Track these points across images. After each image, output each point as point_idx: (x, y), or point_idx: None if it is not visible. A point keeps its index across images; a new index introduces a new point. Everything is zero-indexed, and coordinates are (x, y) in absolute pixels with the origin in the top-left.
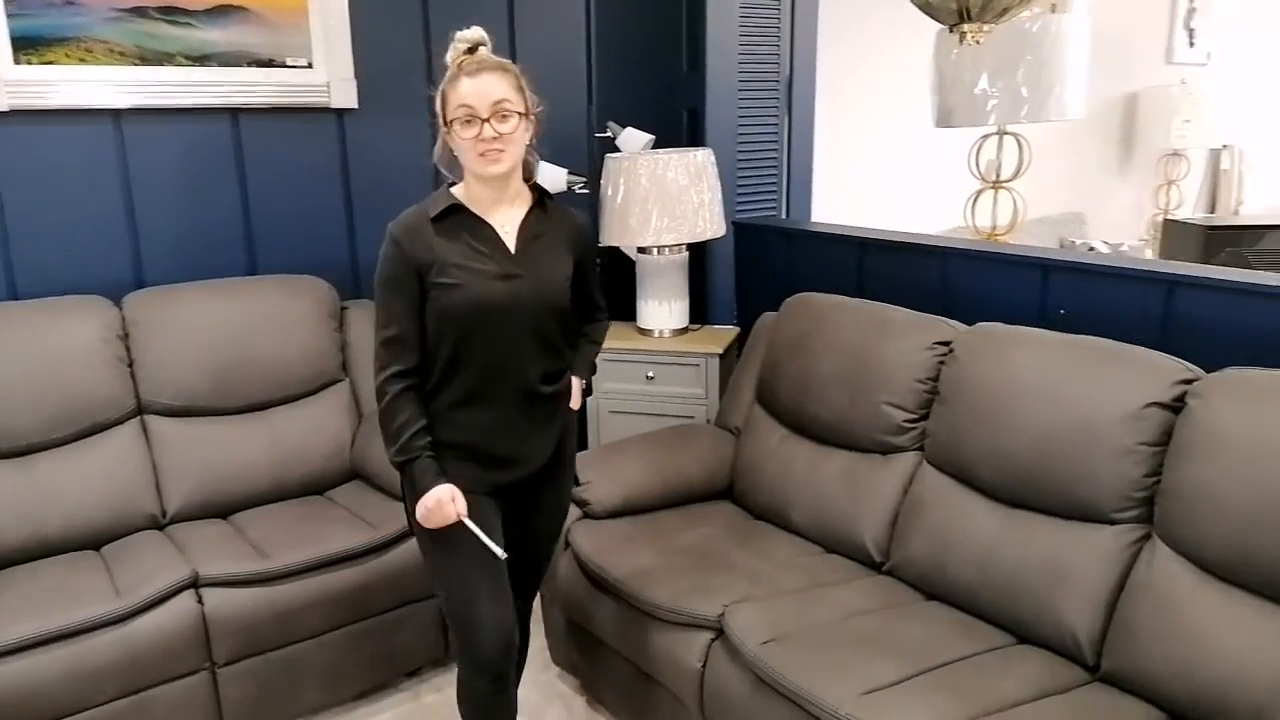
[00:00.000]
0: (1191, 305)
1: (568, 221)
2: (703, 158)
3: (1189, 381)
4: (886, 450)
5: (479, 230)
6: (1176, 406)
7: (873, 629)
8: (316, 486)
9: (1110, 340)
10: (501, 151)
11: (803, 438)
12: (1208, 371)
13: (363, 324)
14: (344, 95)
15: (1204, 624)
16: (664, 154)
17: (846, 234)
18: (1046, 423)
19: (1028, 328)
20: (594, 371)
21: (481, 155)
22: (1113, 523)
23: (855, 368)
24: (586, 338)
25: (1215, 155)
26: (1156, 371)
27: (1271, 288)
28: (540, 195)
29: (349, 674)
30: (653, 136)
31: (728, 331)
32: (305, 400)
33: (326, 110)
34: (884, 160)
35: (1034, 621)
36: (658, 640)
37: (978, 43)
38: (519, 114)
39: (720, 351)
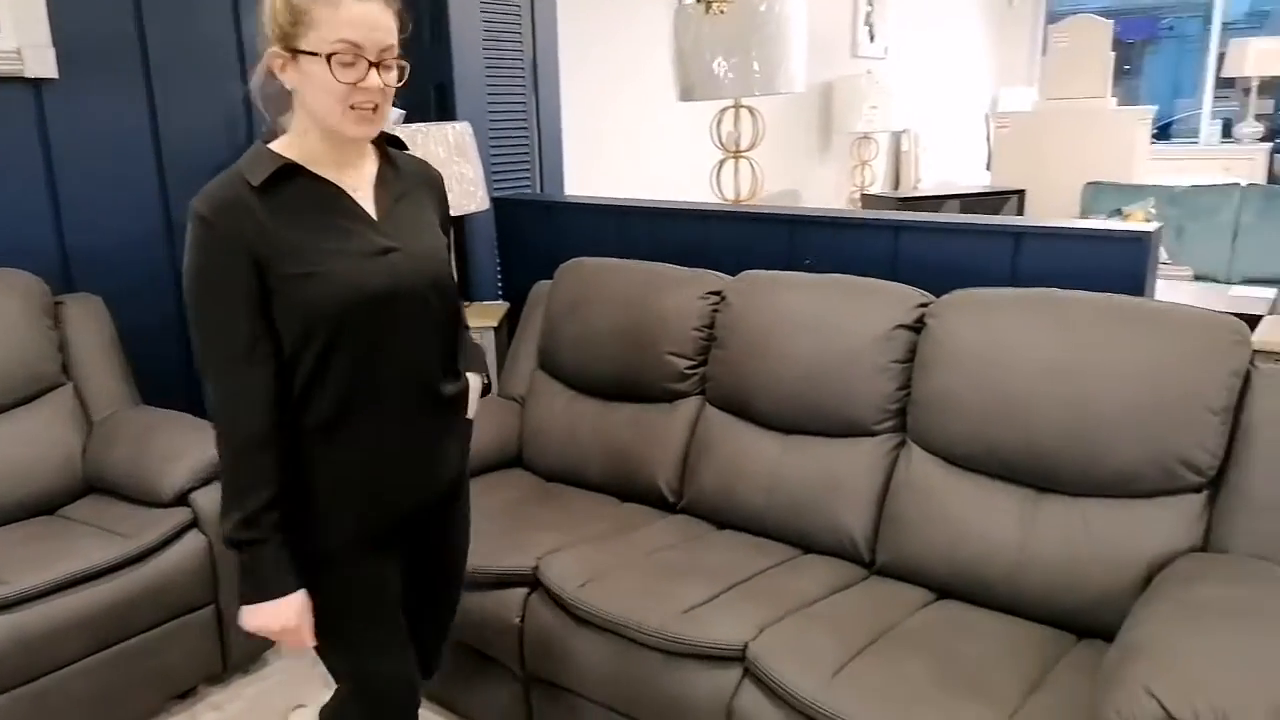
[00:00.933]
0: (914, 245)
1: (424, 174)
2: (461, 130)
3: (925, 305)
4: (672, 397)
5: (328, 197)
6: (918, 327)
7: (678, 560)
8: (45, 506)
9: (857, 277)
10: (376, 110)
11: (589, 396)
12: (937, 296)
13: (84, 320)
14: (40, 64)
15: (957, 510)
16: (421, 127)
17: (608, 204)
18: (812, 352)
19: (787, 272)
20: (485, 367)
21: (353, 109)
22: (874, 434)
23: (634, 323)
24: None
25: (896, 138)
26: (899, 298)
27: (971, 225)
28: (386, 144)
29: (115, 701)
30: (403, 111)
31: (497, 306)
32: (20, 409)
33: (21, 80)
34: (635, 134)
35: (818, 532)
36: (474, 606)
37: (722, 12)
38: (399, 64)
39: (495, 325)
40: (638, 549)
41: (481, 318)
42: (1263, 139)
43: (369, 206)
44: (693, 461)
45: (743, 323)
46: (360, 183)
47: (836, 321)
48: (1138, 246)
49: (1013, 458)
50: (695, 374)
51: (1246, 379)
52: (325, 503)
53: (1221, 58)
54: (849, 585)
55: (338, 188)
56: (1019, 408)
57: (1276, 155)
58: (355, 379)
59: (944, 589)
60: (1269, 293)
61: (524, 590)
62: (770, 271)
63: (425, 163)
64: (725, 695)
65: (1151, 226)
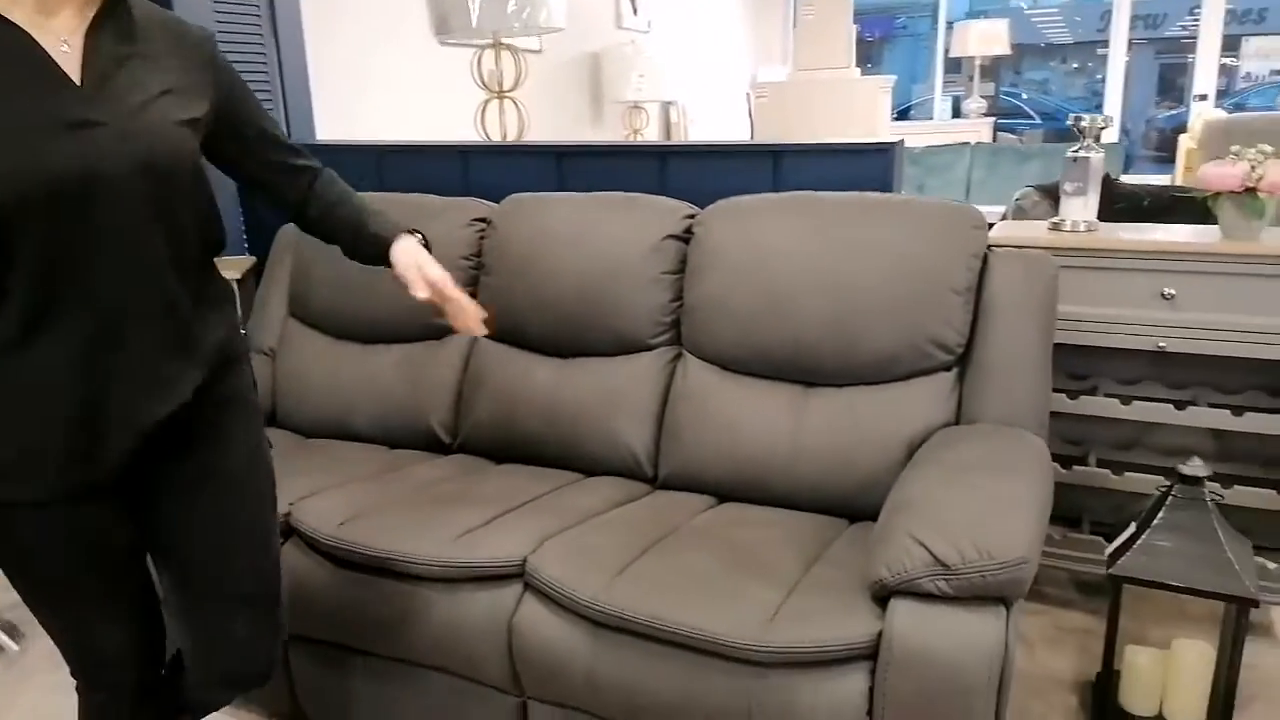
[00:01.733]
0: (681, 170)
1: (177, 33)
2: None
3: (692, 216)
4: (441, 333)
5: (13, 49)
6: (686, 237)
7: (452, 491)
8: None
9: (625, 193)
10: None
11: (348, 340)
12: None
13: None
14: None
15: (732, 413)
16: None
17: (365, 145)
18: (583, 268)
19: (555, 193)
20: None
21: None
22: (650, 348)
23: None
24: (338, 198)
25: (665, 108)
26: (667, 210)
27: (733, 146)
28: None
29: None
30: None
31: (243, 260)
32: None
33: None
34: (400, 78)
35: (600, 453)
36: None
37: None
38: None
39: (239, 276)
40: (409, 485)
41: (225, 272)
42: (986, 114)
43: (73, 66)
44: (467, 397)
45: (510, 246)
46: (67, 33)
47: (605, 236)
48: (884, 158)
49: (781, 356)
50: None
51: (985, 262)
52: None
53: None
54: (635, 498)
55: (30, 38)
56: (784, 306)
57: (999, 128)
58: (44, 289)
59: (726, 493)
60: (1000, 208)
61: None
62: (536, 193)
63: (175, 18)
64: (505, 614)
65: (896, 138)
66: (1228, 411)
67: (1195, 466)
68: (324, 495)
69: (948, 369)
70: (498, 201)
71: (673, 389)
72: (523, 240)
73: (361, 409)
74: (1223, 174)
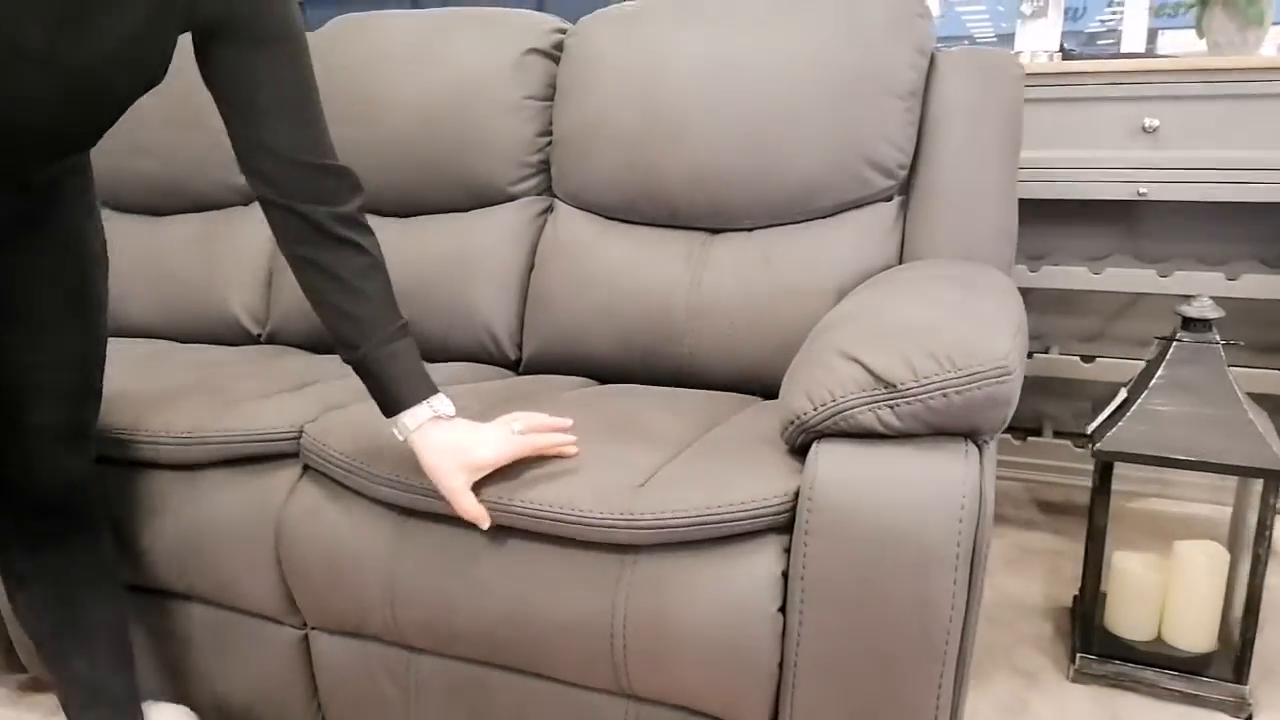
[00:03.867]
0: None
1: None
2: None
3: (563, 31)
4: (247, 198)
5: None
6: (556, 55)
7: (230, 373)
8: None
9: (479, 7)
10: None
11: (130, 213)
12: None
13: None
14: None
15: (614, 271)
16: None
17: None
18: (425, 102)
19: (388, 10)
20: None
21: None
22: (512, 198)
23: (190, 92)
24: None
25: None
26: (531, 23)
27: None
28: None
29: None
30: None
31: None
32: None
33: None
34: None
35: (449, 334)
36: None
37: None
38: None
39: None
40: (166, 366)
41: None
42: None
43: None
44: (277, 274)
45: (337, 79)
46: None
47: (454, 57)
48: None
49: (676, 194)
50: None
51: (932, 63)
52: None
53: None
54: (480, 381)
55: None
56: (679, 129)
57: None
58: None
59: (606, 374)
60: None
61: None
62: (370, 12)
63: None
64: (272, 508)
65: None
66: (1221, 274)
67: (1204, 307)
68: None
69: (887, 199)
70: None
71: (541, 248)
72: (351, 70)
73: (141, 298)
74: None
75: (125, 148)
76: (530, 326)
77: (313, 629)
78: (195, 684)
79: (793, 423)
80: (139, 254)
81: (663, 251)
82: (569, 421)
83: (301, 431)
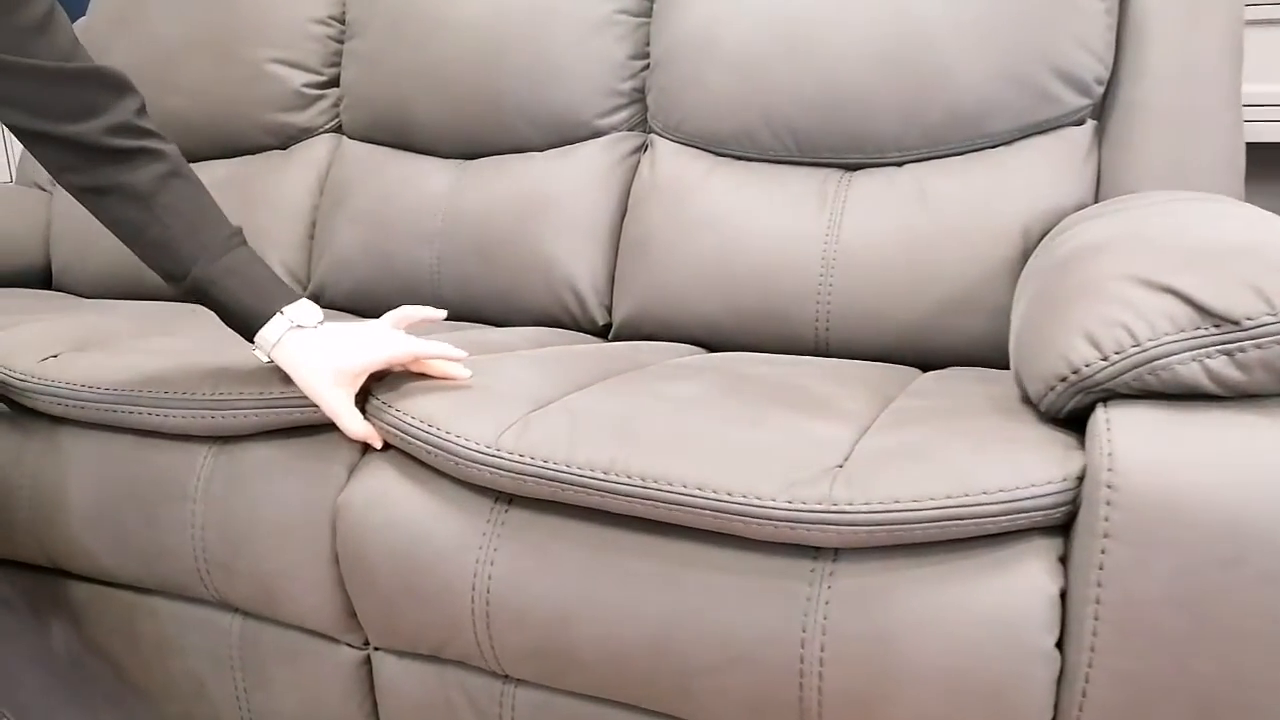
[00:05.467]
0: None
1: None
2: None
3: None
4: (288, 139)
5: None
6: None
7: None
8: None
9: None
10: None
11: None
12: None
13: None
14: None
15: (727, 217)
16: None
17: None
18: (493, 19)
19: None
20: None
21: None
22: (600, 133)
23: (218, 24)
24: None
25: None
26: None
27: None
28: None
29: None
30: None
31: None
32: None
33: None
34: None
35: (524, 294)
36: None
37: None
38: None
39: None
40: (190, 326)
41: None
42: None
43: None
44: (324, 225)
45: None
46: None
47: None
48: None
49: (807, 122)
50: (324, 94)
51: None
52: None
53: None
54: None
55: None
56: (811, 42)
57: None
58: None
59: (719, 341)
60: None
61: None
62: None
63: None
64: (328, 493)
65: None
66: None
67: None
68: (25, 328)
69: (1078, 121)
70: None
71: (635, 191)
72: None
73: None
74: None
75: (152, 83)
76: (623, 285)
77: (376, 649)
78: (224, 713)
79: (1065, 379)
80: None
81: (787, 192)
82: (461, 354)
83: (368, 395)
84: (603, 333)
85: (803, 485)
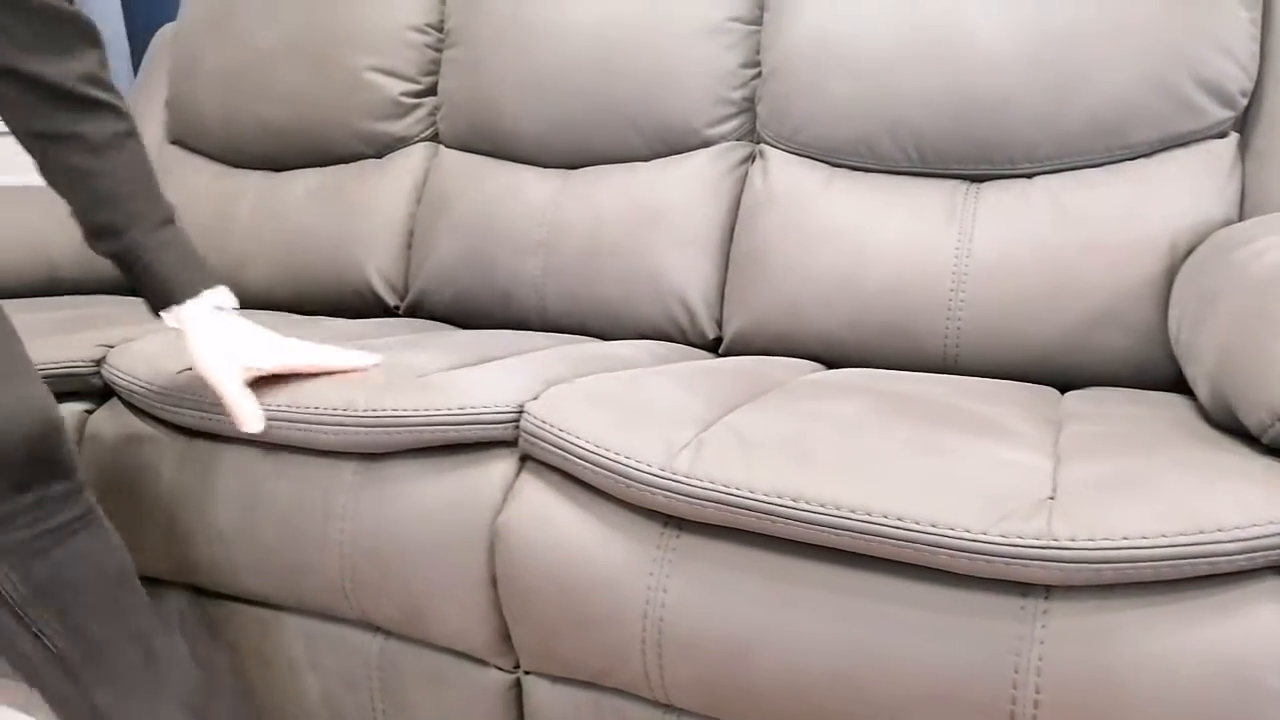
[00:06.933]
0: None
1: None
2: None
3: None
4: (383, 149)
5: None
6: None
7: (395, 344)
8: None
9: None
10: None
11: (247, 169)
12: None
13: None
14: None
15: (849, 231)
16: None
17: None
18: (599, 26)
19: None
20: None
21: None
22: (708, 142)
23: (314, 31)
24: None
25: None
26: None
27: None
28: None
29: None
30: None
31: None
32: None
33: None
34: None
35: (629, 304)
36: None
37: None
38: None
39: None
40: (315, 337)
41: None
42: None
43: None
44: (422, 234)
45: (486, 2)
46: None
47: None
48: None
49: (930, 132)
50: (420, 103)
51: None
52: None
53: None
54: (687, 360)
55: None
56: (933, 44)
57: None
58: None
59: (836, 357)
60: None
61: (81, 409)
62: None
63: None
64: (485, 509)
65: None
66: None
67: None
68: (150, 339)
69: (1220, 135)
70: None
71: (745, 202)
72: None
73: (262, 260)
74: None
75: (245, 88)
76: (735, 297)
77: (527, 673)
78: None
79: None
80: (259, 214)
81: (912, 203)
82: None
83: (521, 411)
84: (712, 346)
85: (1017, 519)
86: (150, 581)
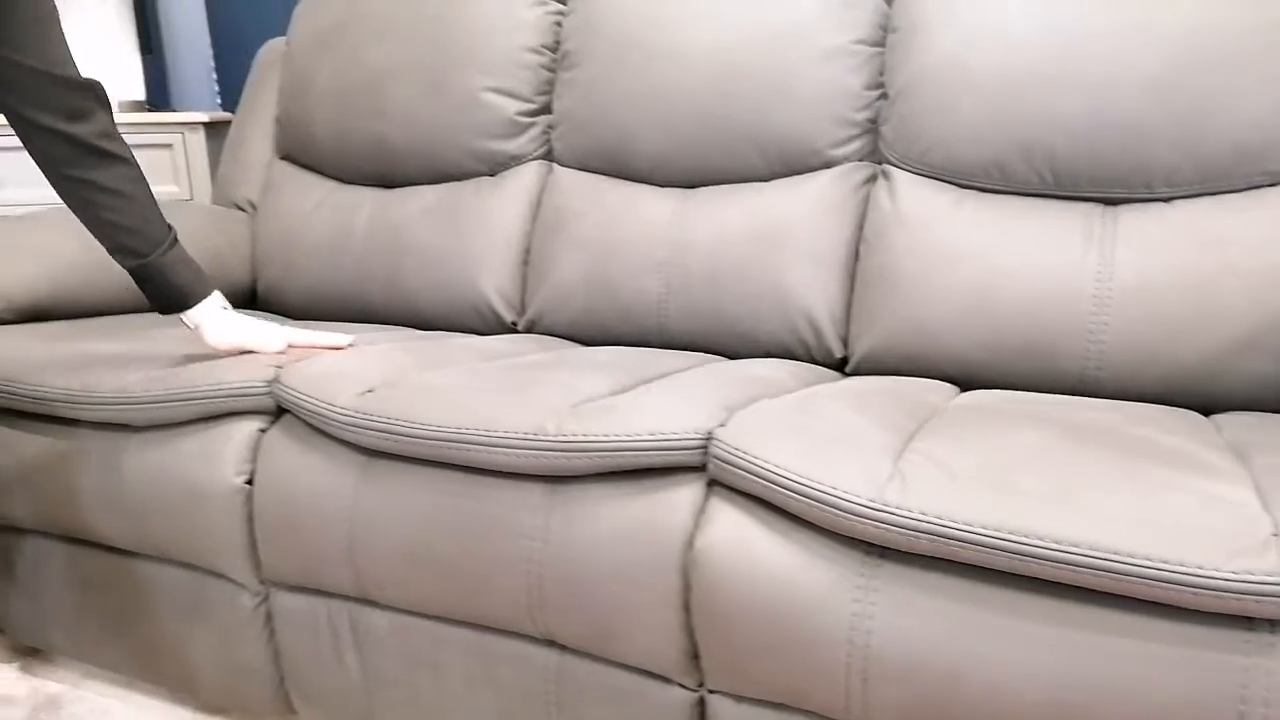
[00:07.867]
0: None
1: None
2: None
3: None
4: (497, 165)
5: None
6: None
7: (537, 363)
8: None
9: None
10: None
11: (361, 185)
12: None
13: None
14: None
15: (980, 253)
16: None
17: None
18: (720, 46)
19: None
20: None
21: None
22: (831, 163)
23: (429, 51)
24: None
25: None
26: None
27: None
28: None
29: None
30: None
31: (215, 116)
32: None
33: None
34: None
35: (752, 321)
36: (140, 464)
37: None
38: None
39: (207, 120)
40: (462, 356)
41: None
42: None
43: None
44: (540, 252)
45: (605, 23)
46: None
47: None
48: None
49: (1066, 153)
50: (534, 122)
51: None
52: None
53: None
54: (825, 381)
55: None
56: (1079, 67)
57: None
58: None
59: (969, 378)
60: None
61: (255, 426)
62: None
63: None
64: (677, 536)
65: None
66: None
67: None
68: (313, 362)
69: None
70: None
71: (870, 222)
72: (624, 13)
73: (378, 278)
74: None
75: (358, 107)
76: (864, 317)
77: (712, 692)
78: None
79: None
80: (375, 231)
81: (1046, 226)
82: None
83: (710, 438)
84: (838, 366)
85: (1247, 556)
86: (324, 595)
